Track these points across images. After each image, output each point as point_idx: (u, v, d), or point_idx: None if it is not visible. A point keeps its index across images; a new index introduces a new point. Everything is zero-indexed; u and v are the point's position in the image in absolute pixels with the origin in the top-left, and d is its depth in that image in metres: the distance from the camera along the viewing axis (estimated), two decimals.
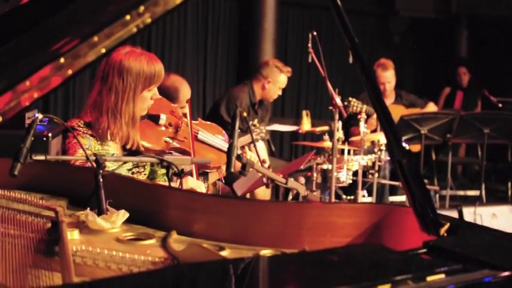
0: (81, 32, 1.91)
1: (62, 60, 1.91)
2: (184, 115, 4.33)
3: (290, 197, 3.08)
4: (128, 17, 1.92)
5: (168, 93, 5.19)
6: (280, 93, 7.36)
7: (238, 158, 2.77)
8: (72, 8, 2.01)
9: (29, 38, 2.01)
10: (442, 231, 2.37)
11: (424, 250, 2.16)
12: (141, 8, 1.94)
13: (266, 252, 2.60)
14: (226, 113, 7.03)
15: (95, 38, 1.91)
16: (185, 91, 5.46)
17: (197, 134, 4.37)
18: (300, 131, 8.41)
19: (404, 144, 2.37)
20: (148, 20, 1.95)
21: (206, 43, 10.34)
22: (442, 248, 2.16)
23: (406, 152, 2.37)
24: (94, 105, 3.77)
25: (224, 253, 2.55)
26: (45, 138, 5.00)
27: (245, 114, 2.96)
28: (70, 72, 1.91)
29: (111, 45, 1.94)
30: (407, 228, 2.55)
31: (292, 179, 3.04)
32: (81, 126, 3.77)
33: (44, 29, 2.03)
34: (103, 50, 1.92)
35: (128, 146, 3.85)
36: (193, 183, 3.87)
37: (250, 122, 6.36)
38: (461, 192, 9.80)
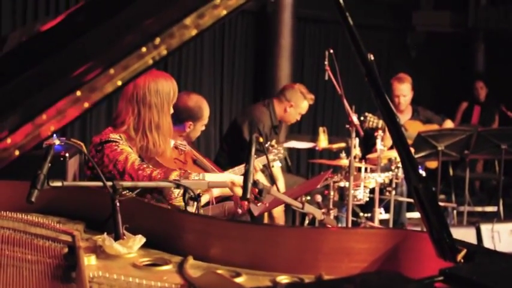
0: (97, 65, 1.92)
1: (78, 93, 1.91)
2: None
3: (306, 222, 3.08)
4: (144, 49, 1.92)
5: (193, 113, 5.26)
6: (299, 118, 7.35)
7: (255, 184, 2.77)
8: (88, 39, 2.02)
9: (45, 69, 2.02)
10: (459, 257, 2.36)
11: (441, 278, 2.15)
12: (157, 40, 1.94)
13: (282, 278, 2.60)
14: (249, 136, 7.02)
15: (111, 71, 1.91)
16: (207, 109, 5.52)
17: (195, 158, 4.45)
18: (317, 148, 8.40)
19: (420, 171, 2.36)
20: (164, 52, 1.95)
21: (223, 60, 10.34)
22: (458, 275, 2.15)
23: (423, 178, 2.37)
24: (135, 128, 4.01)
25: (240, 279, 2.55)
26: (62, 159, 5.03)
27: (261, 139, 2.96)
28: (87, 105, 1.91)
29: (128, 77, 1.94)
30: (424, 253, 2.54)
31: (308, 204, 3.03)
32: (121, 139, 3.98)
33: (60, 61, 2.04)
34: (119, 83, 1.93)
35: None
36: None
37: (268, 143, 6.37)
38: (479, 208, 9.74)
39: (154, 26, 2.05)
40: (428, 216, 2.37)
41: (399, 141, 2.45)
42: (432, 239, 2.39)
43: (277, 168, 7.01)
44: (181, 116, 5.18)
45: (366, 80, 2.43)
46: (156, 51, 2.04)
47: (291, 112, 7.24)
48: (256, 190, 2.82)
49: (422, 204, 2.38)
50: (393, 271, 2.57)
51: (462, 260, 2.36)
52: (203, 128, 5.53)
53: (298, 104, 7.19)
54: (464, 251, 2.37)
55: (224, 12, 2.13)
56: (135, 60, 2.02)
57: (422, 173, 2.26)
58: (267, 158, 3.23)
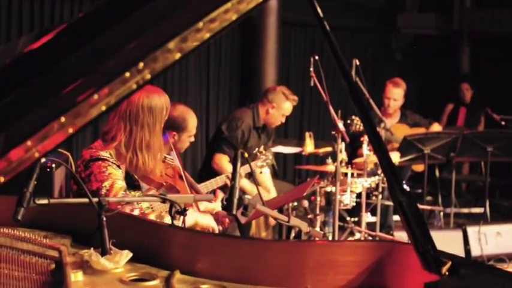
0: (81, 90, 1.92)
1: (62, 119, 1.91)
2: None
3: (293, 234, 3.10)
4: (127, 74, 1.92)
5: (176, 124, 5.24)
6: (283, 120, 7.34)
7: (240, 199, 2.79)
8: (72, 64, 2.02)
9: (28, 94, 2.03)
10: (444, 269, 2.37)
11: None
12: (141, 65, 1.94)
13: None
14: (226, 130, 7.04)
15: (95, 96, 1.91)
16: (192, 120, 5.51)
17: (179, 172, 4.45)
18: (303, 153, 8.41)
19: (404, 186, 2.38)
20: (148, 76, 1.95)
21: (208, 66, 10.32)
22: None
23: (406, 192, 2.39)
24: (126, 145, 3.97)
25: None
26: (48, 170, 5.03)
27: (246, 155, 2.97)
28: (71, 130, 1.91)
29: (112, 102, 1.94)
30: (409, 266, 2.56)
31: (294, 216, 3.04)
32: (111, 157, 3.95)
33: (43, 86, 2.04)
34: (103, 108, 1.93)
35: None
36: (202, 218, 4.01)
37: (257, 149, 6.39)
38: (465, 210, 9.79)
39: (137, 51, 2.06)
40: (413, 229, 2.39)
41: (382, 156, 2.47)
42: (417, 252, 2.41)
43: (266, 174, 7.03)
44: (165, 125, 5.19)
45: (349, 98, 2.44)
46: (139, 75, 2.04)
47: (273, 114, 7.22)
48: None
49: (407, 217, 2.40)
50: (378, 285, 2.59)
51: (447, 273, 2.37)
52: (191, 139, 5.53)
53: (280, 105, 7.18)
54: (449, 264, 2.39)
55: (207, 35, 2.14)
56: (119, 85, 2.02)
57: (406, 187, 2.28)
58: (250, 166, 3.22)
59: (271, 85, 8.45)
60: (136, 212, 3.71)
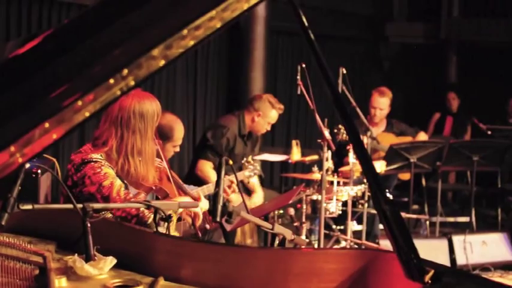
0: (65, 96, 1.92)
1: (46, 125, 1.91)
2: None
3: (277, 242, 3.10)
4: (111, 81, 1.92)
5: (163, 132, 5.24)
6: (269, 128, 7.35)
7: (224, 206, 2.79)
8: (56, 69, 2.02)
9: (12, 99, 2.03)
10: (427, 278, 2.38)
11: None
12: (125, 71, 1.94)
13: None
14: (211, 138, 7.05)
15: (79, 102, 1.91)
16: (179, 130, 5.51)
17: (167, 174, 4.45)
18: (290, 161, 8.42)
19: (388, 194, 2.39)
20: (132, 83, 1.95)
21: (196, 73, 10.32)
22: None
23: (389, 201, 2.40)
24: (118, 151, 3.97)
25: None
26: (34, 175, 5.02)
27: (231, 162, 2.98)
28: (55, 136, 1.91)
29: (95, 109, 1.94)
30: (392, 274, 2.57)
31: (278, 224, 3.05)
32: (102, 158, 3.94)
33: (27, 92, 2.04)
34: (87, 114, 1.92)
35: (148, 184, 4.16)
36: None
37: (245, 159, 6.40)
38: (451, 219, 9.80)
39: (122, 57, 2.06)
40: (396, 237, 2.39)
41: (366, 164, 2.48)
42: (400, 260, 2.42)
43: (254, 181, 7.05)
44: None
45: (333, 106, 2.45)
46: (123, 82, 2.04)
47: (259, 122, 7.23)
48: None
49: (390, 226, 2.41)
50: None
51: (430, 281, 2.38)
52: (176, 149, 5.53)
53: (266, 113, 7.19)
54: (432, 272, 2.40)
55: (192, 42, 2.14)
56: (103, 92, 2.02)
57: (390, 196, 2.30)
58: (235, 174, 3.22)
59: (258, 93, 8.47)
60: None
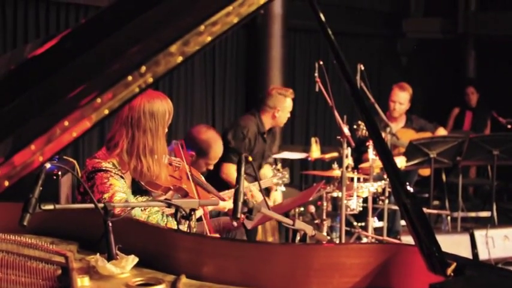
0: (85, 94, 1.93)
1: (66, 123, 1.91)
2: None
3: (298, 238, 3.10)
4: (130, 78, 1.92)
5: (199, 147, 5.25)
6: (289, 115, 7.32)
7: (245, 203, 2.79)
8: (76, 68, 2.03)
9: (31, 99, 2.03)
10: (449, 271, 2.38)
11: None
12: (143, 68, 1.95)
13: None
14: (233, 140, 7.02)
15: (98, 100, 1.92)
16: (216, 151, 5.51)
17: (187, 173, 4.46)
18: (309, 158, 8.41)
19: (408, 187, 2.39)
20: (151, 80, 1.95)
21: (214, 73, 10.31)
22: None
23: (410, 194, 2.39)
24: (129, 151, 3.96)
25: None
26: (55, 177, 5.03)
27: (250, 159, 2.97)
28: (75, 134, 1.92)
29: (114, 106, 1.94)
30: (414, 267, 2.57)
31: (299, 220, 3.05)
32: (114, 167, 3.94)
33: (47, 91, 2.05)
34: (106, 111, 1.93)
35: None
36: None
37: (274, 166, 6.40)
38: (472, 214, 9.76)
39: (140, 54, 2.06)
40: (418, 231, 2.39)
41: (386, 159, 2.48)
42: (422, 253, 2.41)
43: (278, 192, 7.04)
44: (189, 143, 5.18)
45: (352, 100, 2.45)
46: (142, 79, 2.05)
47: (280, 116, 7.20)
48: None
49: (411, 219, 2.41)
50: (383, 287, 2.60)
51: (452, 274, 2.38)
52: (210, 167, 5.53)
53: (283, 106, 7.15)
54: (454, 265, 2.39)
55: (209, 38, 2.15)
56: (122, 89, 2.03)
57: (410, 189, 2.28)
58: (255, 171, 3.22)
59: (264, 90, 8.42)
60: None
